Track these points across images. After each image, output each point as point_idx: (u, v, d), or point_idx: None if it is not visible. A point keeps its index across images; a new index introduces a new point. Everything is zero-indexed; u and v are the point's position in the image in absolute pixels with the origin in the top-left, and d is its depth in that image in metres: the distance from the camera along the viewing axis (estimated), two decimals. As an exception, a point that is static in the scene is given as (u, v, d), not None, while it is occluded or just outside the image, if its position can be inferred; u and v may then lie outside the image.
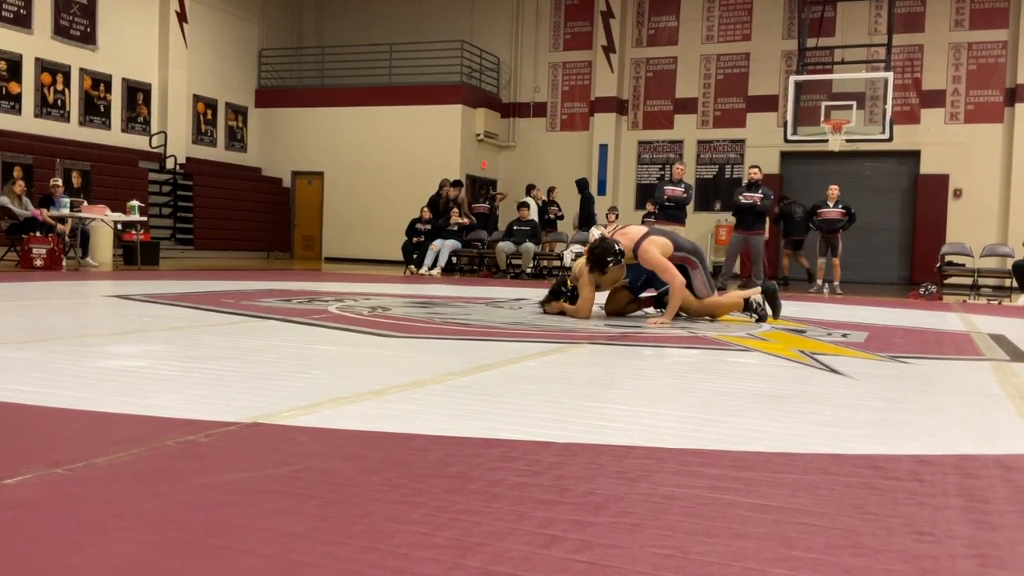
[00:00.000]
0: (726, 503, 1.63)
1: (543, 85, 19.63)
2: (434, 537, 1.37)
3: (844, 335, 5.21)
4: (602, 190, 18.22)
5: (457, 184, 14.88)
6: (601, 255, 5.53)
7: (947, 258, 13.04)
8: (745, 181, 12.08)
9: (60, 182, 12.28)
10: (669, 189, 11.54)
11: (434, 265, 13.42)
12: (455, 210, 14.20)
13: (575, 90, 19.38)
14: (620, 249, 5.55)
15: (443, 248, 13.58)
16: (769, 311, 5.87)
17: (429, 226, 14.02)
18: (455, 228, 13.96)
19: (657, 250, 5.55)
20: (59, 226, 11.33)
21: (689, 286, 5.64)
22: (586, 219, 15.05)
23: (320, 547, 1.31)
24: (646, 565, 1.29)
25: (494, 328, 4.90)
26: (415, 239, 14.01)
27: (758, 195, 11.47)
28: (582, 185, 15.45)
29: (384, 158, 18.73)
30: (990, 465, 2.04)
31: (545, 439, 2.11)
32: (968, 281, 12.46)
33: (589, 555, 1.32)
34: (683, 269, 5.63)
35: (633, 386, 3.11)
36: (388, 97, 18.91)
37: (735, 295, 6.09)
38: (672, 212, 11.33)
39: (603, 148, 18.79)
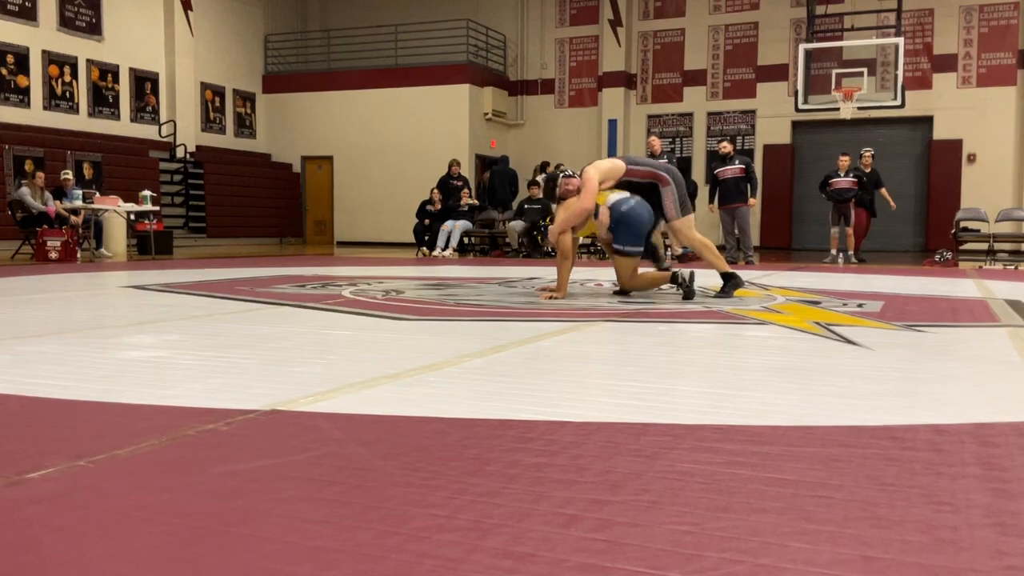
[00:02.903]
0: (744, 478, 1.63)
1: (550, 61, 19.52)
2: (453, 520, 1.38)
3: (859, 305, 5.19)
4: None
5: (495, 162, 14.93)
6: (549, 179, 5.59)
7: (962, 224, 12.93)
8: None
9: (71, 175, 12.33)
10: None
11: (446, 246, 13.42)
12: (465, 191, 14.18)
13: (583, 65, 19.26)
14: (570, 172, 5.53)
15: (454, 229, 13.57)
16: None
17: (439, 206, 13.98)
18: (465, 208, 13.94)
19: (597, 172, 5.36)
20: (72, 218, 11.40)
21: (660, 206, 5.46)
22: (500, 198, 14.68)
23: (341, 532, 1.33)
24: (665, 542, 1.30)
25: (508, 308, 4.91)
26: (426, 221, 14.01)
27: (737, 166, 11.34)
28: (491, 163, 15.37)
29: (393, 140, 18.71)
30: (1007, 433, 2.03)
31: (562, 419, 2.11)
32: (984, 247, 12.36)
33: (608, 534, 1.33)
34: (654, 187, 5.46)
35: (649, 363, 3.11)
36: (395, 79, 18.85)
37: (720, 258, 5.63)
38: None
39: (612, 123, 18.69)
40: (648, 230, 5.60)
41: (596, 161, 5.65)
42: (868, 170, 12.50)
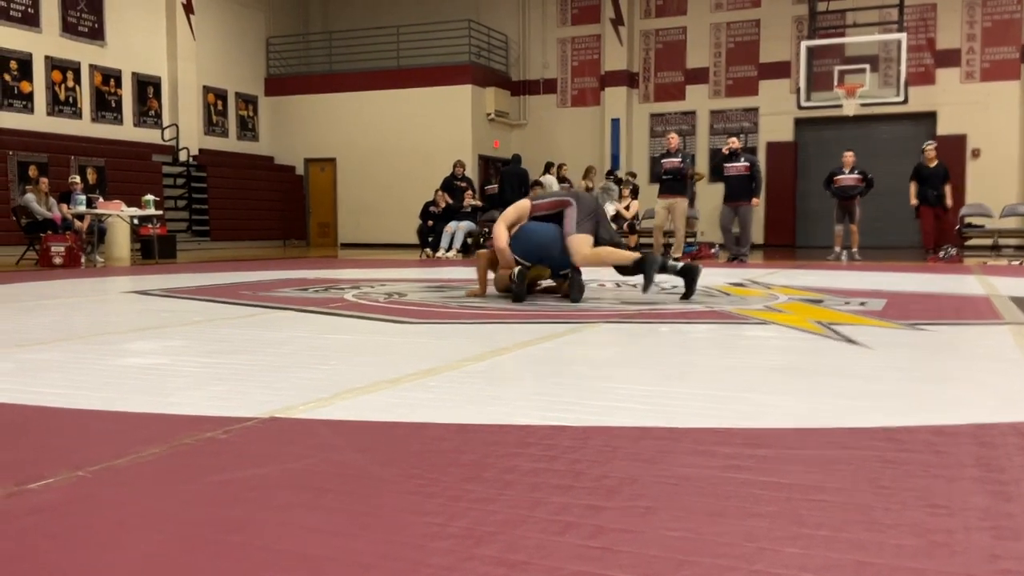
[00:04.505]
0: (739, 482, 1.63)
1: (552, 61, 19.51)
2: (448, 527, 1.39)
3: (862, 303, 5.18)
4: (615, 164, 18.13)
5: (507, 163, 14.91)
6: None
7: (967, 220, 12.89)
8: (725, 151, 11.68)
9: (79, 179, 12.38)
10: (666, 162, 11.42)
11: (450, 247, 13.43)
12: (468, 192, 14.17)
13: (585, 65, 19.25)
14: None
15: (458, 230, 13.57)
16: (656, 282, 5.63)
17: (442, 207, 13.94)
18: (468, 209, 13.93)
19: (504, 223, 5.63)
20: (77, 223, 11.43)
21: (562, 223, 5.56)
22: (508, 199, 14.47)
23: (335, 540, 1.33)
24: (659, 548, 1.30)
25: (509, 310, 4.91)
26: (429, 222, 14.00)
27: (742, 164, 11.32)
28: (502, 164, 15.28)
29: (395, 141, 18.71)
30: (1007, 433, 2.03)
31: (560, 423, 2.11)
32: (989, 242, 12.32)
33: (603, 540, 1.33)
34: (559, 214, 5.56)
35: (649, 365, 3.11)
36: (397, 80, 18.86)
37: (619, 253, 5.60)
38: (672, 184, 11.26)
39: (615, 122, 18.68)
40: (544, 240, 5.60)
41: (504, 212, 5.85)
42: (933, 164, 12.07)
